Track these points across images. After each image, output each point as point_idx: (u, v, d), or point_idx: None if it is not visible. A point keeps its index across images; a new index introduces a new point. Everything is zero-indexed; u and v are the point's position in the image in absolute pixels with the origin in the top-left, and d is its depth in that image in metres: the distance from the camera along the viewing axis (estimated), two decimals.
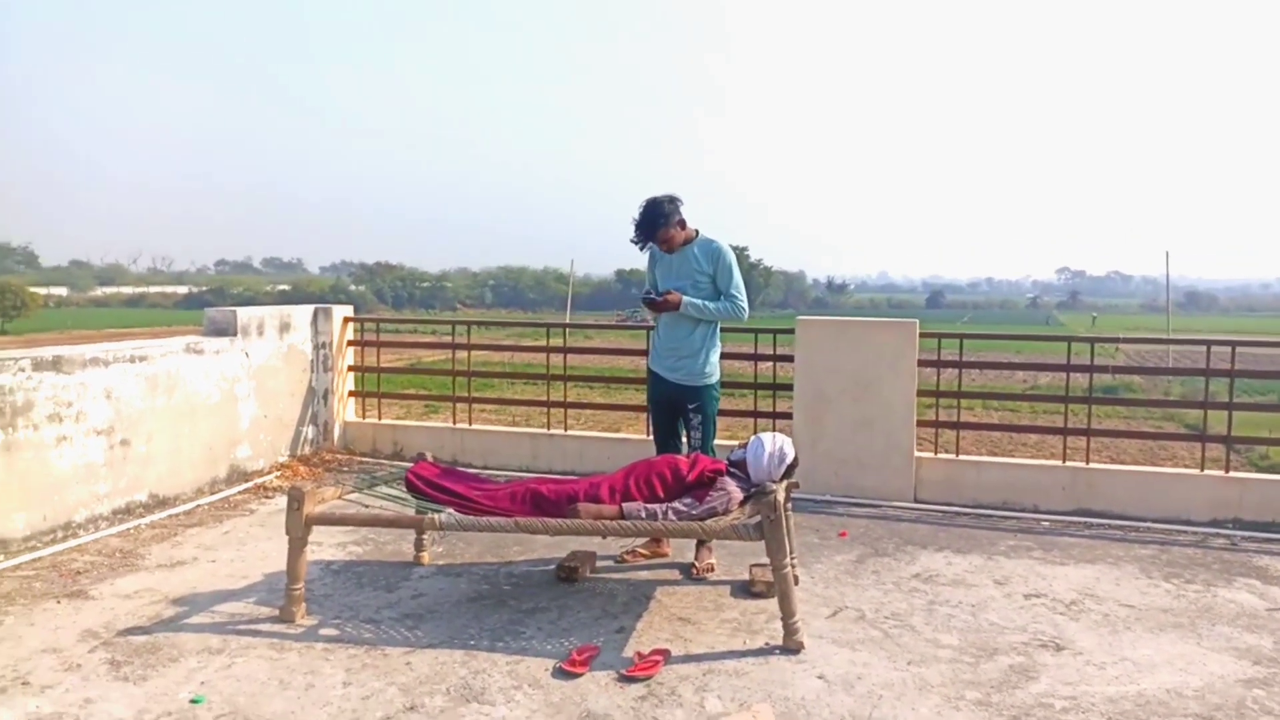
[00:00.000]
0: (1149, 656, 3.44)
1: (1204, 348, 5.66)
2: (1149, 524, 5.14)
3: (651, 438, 4.83)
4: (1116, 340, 6.93)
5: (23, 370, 4.40)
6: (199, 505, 5.29)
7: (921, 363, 5.61)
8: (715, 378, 4.44)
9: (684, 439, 4.49)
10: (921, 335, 5.61)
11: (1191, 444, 11.85)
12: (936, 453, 5.74)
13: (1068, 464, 5.51)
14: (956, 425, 5.88)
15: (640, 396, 7.19)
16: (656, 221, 4.24)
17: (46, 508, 4.49)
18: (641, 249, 4.35)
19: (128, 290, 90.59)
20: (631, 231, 4.28)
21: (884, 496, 5.54)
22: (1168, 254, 30.06)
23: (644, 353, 6.37)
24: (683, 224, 4.30)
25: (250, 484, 5.74)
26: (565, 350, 6.72)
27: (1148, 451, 12.32)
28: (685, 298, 4.27)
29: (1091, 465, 5.51)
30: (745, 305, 4.39)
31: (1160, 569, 4.43)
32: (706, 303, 4.31)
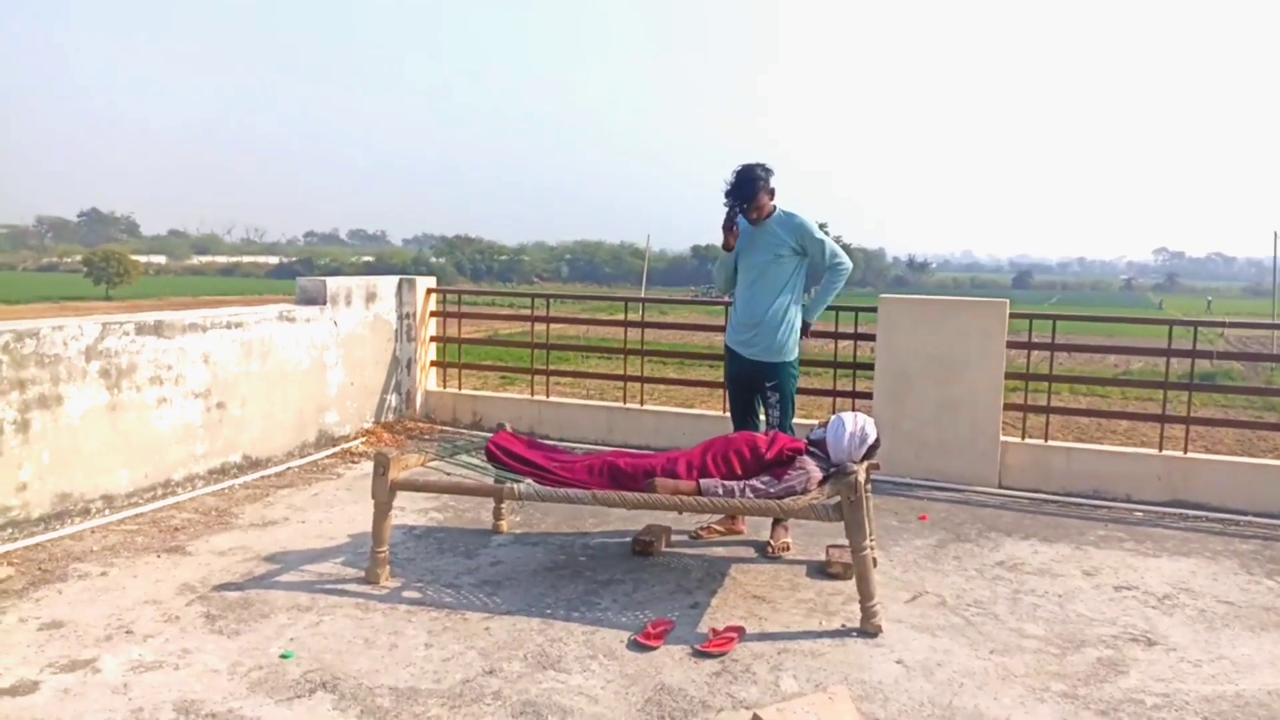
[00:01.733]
0: (1249, 656, 3.29)
1: None
2: (1250, 518, 4.90)
3: (728, 414, 4.80)
4: (1222, 325, 6.58)
5: (127, 334, 4.61)
6: (289, 468, 5.48)
7: (1009, 344, 5.43)
8: (794, 355, 4.39)
9: (761, 417, 4.45)
10: (1012, 316, 5.42)
11: None
12: (1024, 438, 5.56)
13: (1164, 452, 5.28)
14: (1046, 410, 5.69)
15: (715, 373, 7.16)
16: (753, 185, 4.19)
17: (148, 466, 4.71)
18: (734, 214, 4.27)
19: (222, 259, 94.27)
20: (723, 197, 4.23)
21: (966, 481, 5.40)
22: (1276, 234, 28.48)
23: (719, 329, 6.32)
24: (772, 193, 4.25)
25: (337, 449, 5.92)
26: (642, 325, 6.72)
27: (1245, 442, 11.73)
28: (808, 315, 4.42)
29: (1189, 455, 5.27)
30: (847, 262, 4.40)
31: (1262, 565, 4.22)
32: (823, 297, 4.42)
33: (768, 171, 4.23)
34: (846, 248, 4.47)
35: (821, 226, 4.43)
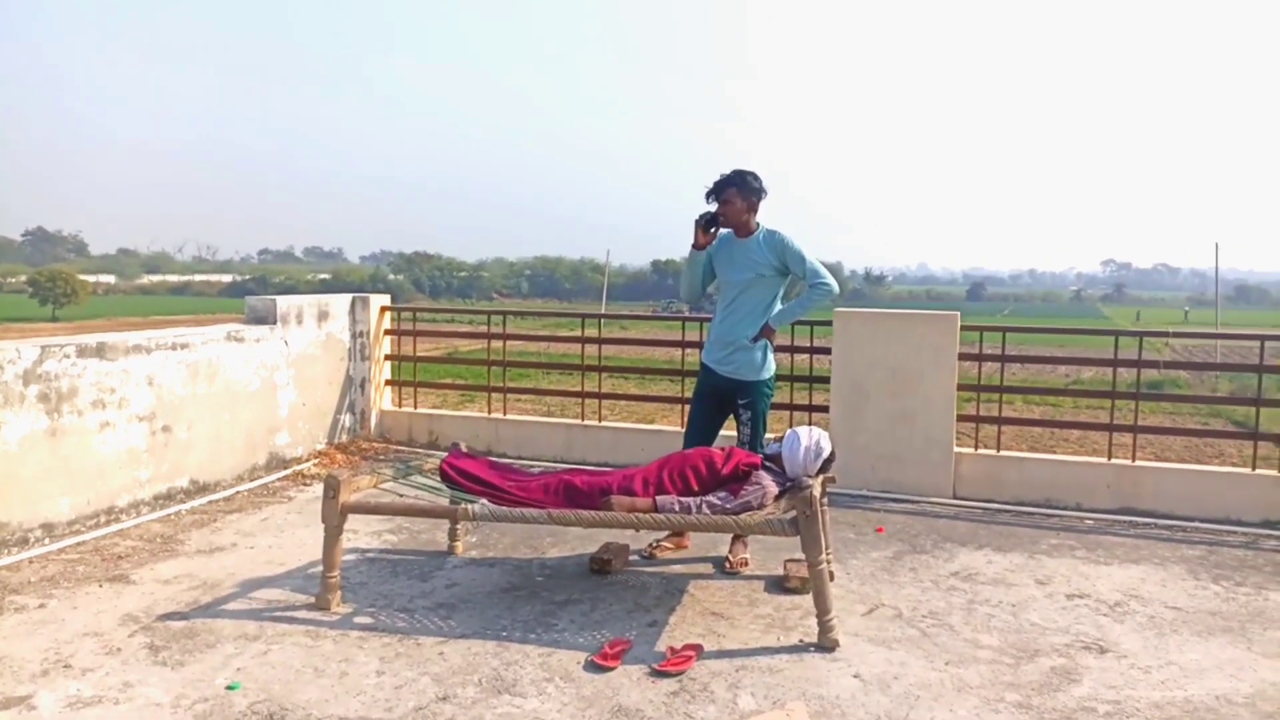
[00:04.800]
0: (1197, 661, 3.34)
1: (1256, 343, 5.49)
2: (1197, 524, 5.00)
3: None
4: (1166, 335, 6.74)
5: (68, 356, 4.48)
6: (238, 492, 5.36)
7: (962, 356, 5.50)
8: (770, 373, 4.33)
9: (725, 432, 4.43)
10: (963, 328, 5.50)
11: (1240, 442, 11.53)
12: (977, 448, 5.63)
13: (1113, 461, 5.37)
14: (998, 420, 5.77)
15: (675, 388, 7.16)
16: (726, 182, 4.13)
17: (90, 492, 4.57)
18: (710, 214, 4.20)
19: (173, 278, 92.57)
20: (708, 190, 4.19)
21: (922, 492, 5.45)
22: (1217, 245, 29.33)
23: (679, 344, 6.33)
24: (751, 203, 4.18)
25: (289, 471, 5.80)
26: (600, 341, 6.70)
27: (1193, 449, 12.01)
28: (773, 318, 4.22)
29: (1138, 463, 5.38)
30: (831, 281, 4.22)
31: (1209, 570, 4.30)
32: (794, 309, 4.24)
33: (754, 177, 4.16)
34: (832, 269, 4.34)
35: None
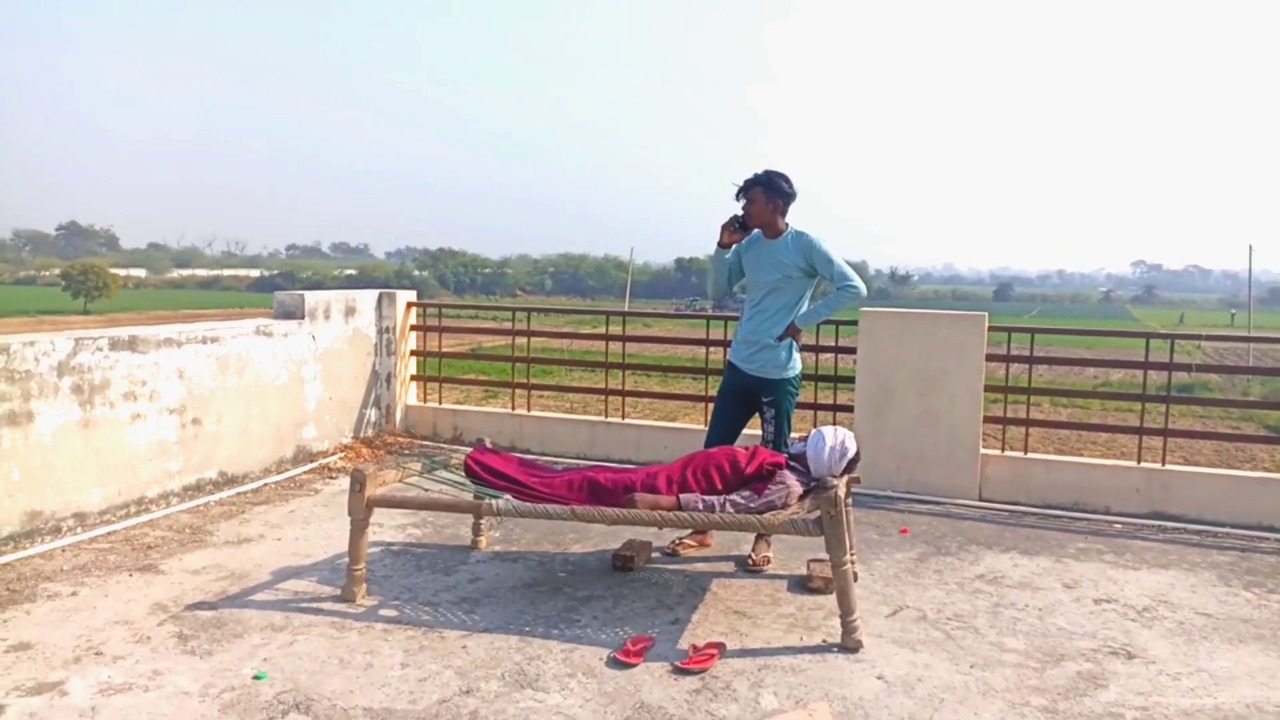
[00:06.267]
0: (1227, 668, 3.29)
1: None
2: (1228, 529, 4.93)
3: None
4: (1198, 337, 6.64)
5: (100, 349, 4.55)
6: (266, 484, 5.42)
7: (989, 357, 5.46)
8: (795, 371, 4.31)
9: (748, 431, 4.42)
10: (990, 329, 5.45)
11: (1272, 447, 11.34)
12: (1003, 450, 5.58)
13: (1142, 465, 5.30)
14: (1025, 422, 5.71)
15: (698, 385, 7.15)
16: (754, 181, 4.16)
17: (121, 483, 4.64)
18: (739, 216, 4.24)
19: (203, 273, 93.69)
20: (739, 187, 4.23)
21: (947, 494, 5.41)
22: (1251, 247, 28.85)
23: (702, 342, 6.33)
24: (778, 209, 4.20)
25: (315, 464, 5.86)
26: (624, 338, 6.70)
27: (1223, 453, 11.85)
28: (799, 317, 4.22)
29: (1168, 467, 5.30)
30: (859, 284, 4.20)
31: (1240, 577, 4.24)
32: (821, 310, 4.25)
33: (783, 179, 4.18)
34: (857, 268, 4.33)
35: None
